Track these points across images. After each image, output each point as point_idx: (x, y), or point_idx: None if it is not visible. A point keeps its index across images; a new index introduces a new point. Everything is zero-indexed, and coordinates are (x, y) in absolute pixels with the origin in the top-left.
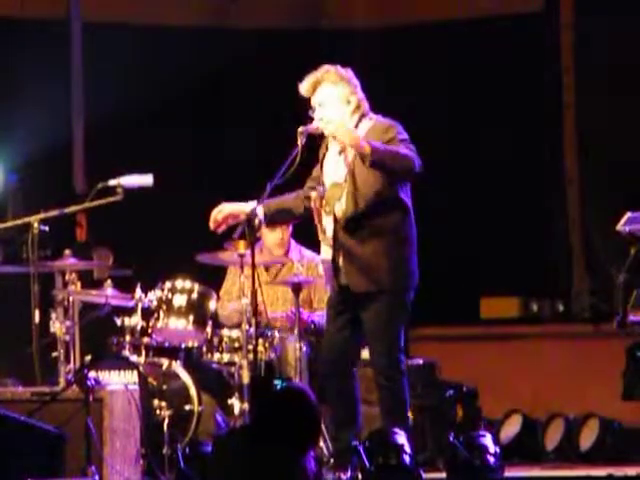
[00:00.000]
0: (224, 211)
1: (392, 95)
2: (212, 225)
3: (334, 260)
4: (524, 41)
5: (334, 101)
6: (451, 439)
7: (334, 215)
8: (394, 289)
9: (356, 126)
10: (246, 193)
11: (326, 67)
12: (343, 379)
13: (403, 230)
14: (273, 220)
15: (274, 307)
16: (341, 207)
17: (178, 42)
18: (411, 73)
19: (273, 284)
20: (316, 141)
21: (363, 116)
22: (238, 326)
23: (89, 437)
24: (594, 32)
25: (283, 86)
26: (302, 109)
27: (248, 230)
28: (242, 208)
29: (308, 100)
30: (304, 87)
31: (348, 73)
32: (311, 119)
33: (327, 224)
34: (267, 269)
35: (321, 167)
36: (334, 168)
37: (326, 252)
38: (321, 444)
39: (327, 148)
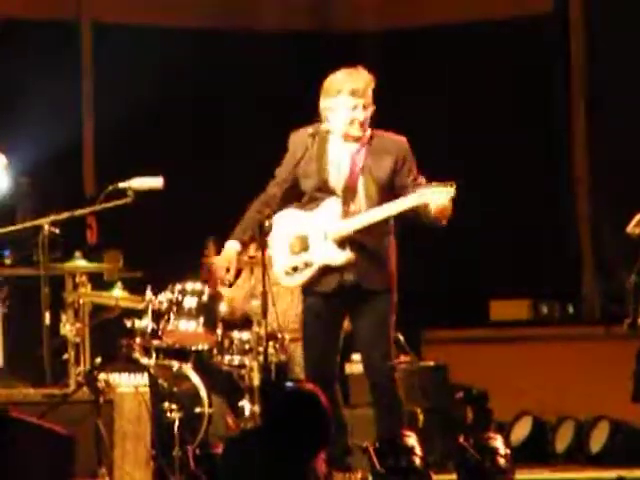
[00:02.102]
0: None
1: (396, 98)
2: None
3: None
4: (532, 42)
5: (372, 106)
6: (461, 441)
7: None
8: (393, 288)
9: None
10: (255, 195)
11: (365, 71)
12: (330, 382)
13: (395, 232)
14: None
15: (288, 308)
16: (356, 206)
17: (189, 43)
18: (416, 76)
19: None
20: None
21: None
22: (243, 325)
23: (99, 439)
24: (603, 32)
25: (291, 88)
26: (309, 109)
27: (259, 232)
28: (229, 255)
29: (314, 101)
30: (359, 85)
31: None
32: (319, 120)
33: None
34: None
35: (321, 165)
36: (347, 169)
37: (337, 253)
38: None
39: (329, 144)
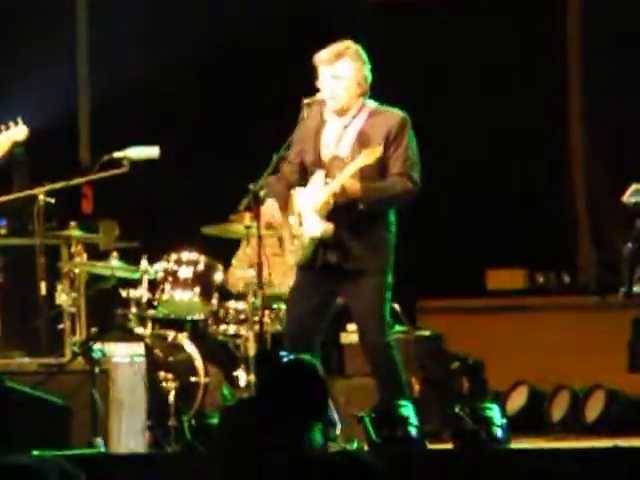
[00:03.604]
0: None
1: (394, 70)
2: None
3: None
4: (527, 12)
5: (349, 78)
6: (457, 411)
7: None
8: (379, 268)
9: (359, 111)
10: (252, 164)
11: (348, 42)
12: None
13: (389, 213)
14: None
15: (285, 279)
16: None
17: (186, 12)
18: (414, 47)
19: (282, 255)
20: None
21: (364, 103)
22: (244, 295)
23: (95, 409)
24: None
25: (289, 59)
26: (304, 81)
27: (254, 202)
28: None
29: (314, 71)
30: (324, 56)
31: (365, 55)
32: (317, 89)
33: (331, 197)
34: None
35: (316, 139)
36: (335, 141)
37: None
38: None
39: (324, 120)
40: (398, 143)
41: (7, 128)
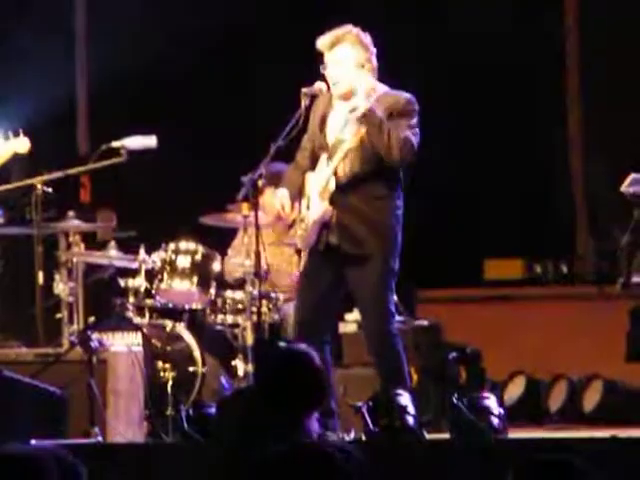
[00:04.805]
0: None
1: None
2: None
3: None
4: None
5: (349, 62)
6: (455, 401)
7: (335, 171)
8: (386, 254)
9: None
10: (249, 155)
11: (348, 27)
12: (318, 343)
13: (395, 199)
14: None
15: (279, 269)
16: (343, 165)
17: (185, 1)
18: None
19: (278, 245)
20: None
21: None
22: (241, 283)
23: (92, 398)
24: None
25: (288, 48)
26: (303, 70)
27: (252, 191)
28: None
29: (319, 58)
30: (323, 42)
31: (367, 38)
32: (321, 76)
33: (331, 179)
34: (273, 230)
35: (322, 125)
36: (341, 125)
37: (319, 207)
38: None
39: (332, 106)
40: (400, 118)
41: (7, 138)
